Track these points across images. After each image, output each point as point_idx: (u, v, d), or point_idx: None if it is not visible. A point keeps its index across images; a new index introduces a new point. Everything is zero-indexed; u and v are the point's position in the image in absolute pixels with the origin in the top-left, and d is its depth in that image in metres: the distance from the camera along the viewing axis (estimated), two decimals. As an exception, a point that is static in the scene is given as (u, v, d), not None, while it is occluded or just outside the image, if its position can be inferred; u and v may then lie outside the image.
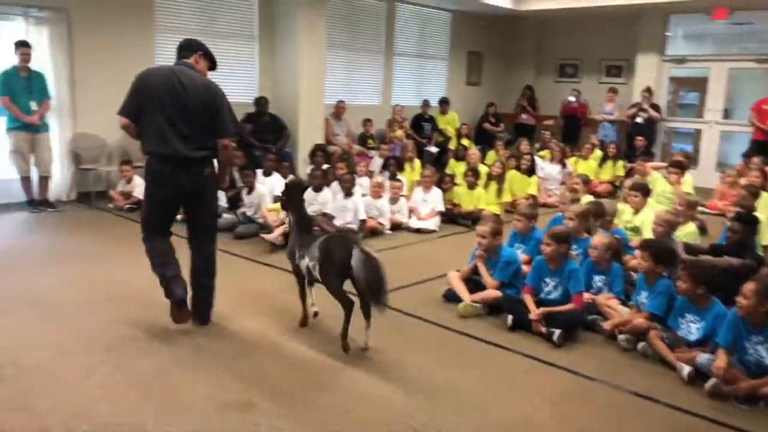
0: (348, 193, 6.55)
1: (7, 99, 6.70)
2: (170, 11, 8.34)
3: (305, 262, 3.89)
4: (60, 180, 7.44)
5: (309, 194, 6.66)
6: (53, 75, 7.23)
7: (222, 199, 7.03)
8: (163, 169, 3.81)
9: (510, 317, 4.27)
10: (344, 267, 3.65)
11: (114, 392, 3.15)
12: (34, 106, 6.84)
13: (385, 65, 11.19)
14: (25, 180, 6.98)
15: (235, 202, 7.19)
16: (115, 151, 7.93)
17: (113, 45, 7.74)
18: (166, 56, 8.33)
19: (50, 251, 5.58)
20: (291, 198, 4.12)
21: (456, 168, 8.96)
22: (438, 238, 6.84)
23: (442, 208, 7.18)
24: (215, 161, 3.98)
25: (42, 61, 7.16)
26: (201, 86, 3.90)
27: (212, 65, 4.10)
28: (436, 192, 7.22)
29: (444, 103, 11.45)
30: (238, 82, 9.24)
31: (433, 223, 7.04)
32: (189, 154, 3.79)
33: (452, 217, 7.42)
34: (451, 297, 4.69)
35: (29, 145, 6.89)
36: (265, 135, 8.81)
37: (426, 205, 7.16)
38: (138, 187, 7.35)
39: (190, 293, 3.98)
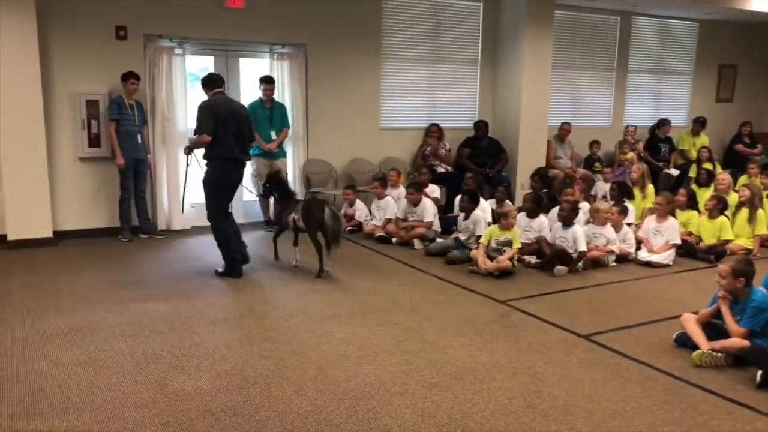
0: (567, 223, 6.10)
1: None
2: (396, 41, 8.68)
3: (292, 216, 5.81)
4: (292, 201, 8.09)
5: (523, 220, 6.38)
6: (291, 106, 7.91)
7: (436, 224, 7.06)
8: (229, 168, 5.50)
9: (760, 372, 3.57)
10: (320, 220, 5.57)
11: (322, 410, 3.20)
12: (273, 135, 7.52)
13: (617, 83, 10.46)
14: (264, 201, 7.69)
15: (449, 226, 7.17)
16: (341, 176, 8.42)
17: (342, 76, 8.27)
18: (390, 84, 8.71)
19: (278, 267, 6.03)
20: (272, 185, 6.12)
21: (700, 195, 7.96)
22: (672, 273, 6.07)
23: (677, 240, 6.36)
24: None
25: (283, 93, 7.88)
26: (242, 108, 5.77)
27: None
28: (671, 222, 6.41)
29: (699, 122, 10.34)
30: (458, 107, 9.32)
31: (667, 256, 6.26)
32: (242, 157, 5.59)
33: (691, 250, 6.56)
34: (685, 342, 4.09)
35: (268, 170, 7.58)
36: (482, 159, 8.73)
37: (659, 236, 6.41)
38: (359, 210, 7.70)
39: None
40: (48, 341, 4.05)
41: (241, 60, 7.84)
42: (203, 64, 7.89)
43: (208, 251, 6.61)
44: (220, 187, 5.54)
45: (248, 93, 7.78)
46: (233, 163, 5.51)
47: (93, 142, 6.98)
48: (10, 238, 6.54)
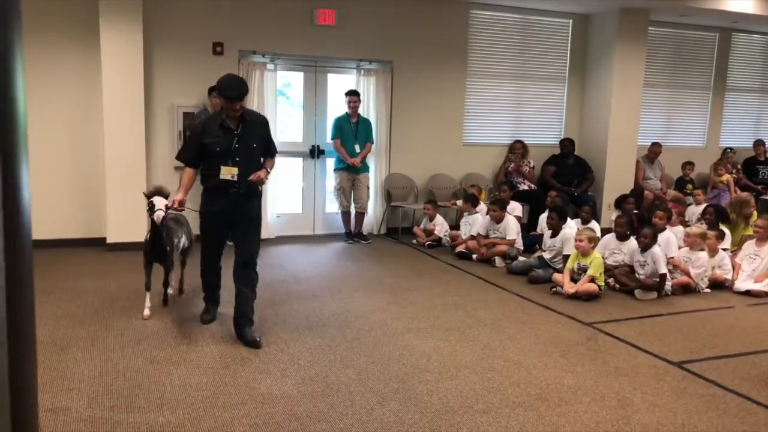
0: (644, 249, 5.81)
1: (338, 142, 7.61)
2: (482, 57, 8.66)
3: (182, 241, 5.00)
4: (373, 215, 8.18)
5: (612, 242, 6.18)
6: (375, 121, 8.02)
7: (519, 242, 6.95)
8: None
9: None
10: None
11: (405, 422, 3.21)
12: (358, 149, 7.64)
13: (713, 102, 10.03)
14: (345, 214, 7.82)
15: (532, 244, 7.06)
16: (421, 191, 8.45)
17: (427, 91, 8.33)
18: (475, 100, 8.70)
19: (359, 279, 6.09)
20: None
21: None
22: (773, 303, 5.74)
23: (780, 265, 5.99)
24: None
25: (368, 108, 8.01)
26: None
27: (223, 96, 4.24)
28: (772, 246, 6.06)
29: None
30: (543, 124, 9.19)
31: (767, 284, 5.91)
32: None
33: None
34: (789, 377, 3.83)
35: (351, 184, 7.71)
36: (568, 178, 8.56)
37: (758, 260, 6.05)
38: (439, 225, 7.69)
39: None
40: (144, 340, 4.25)
41: (329, 75, 8.03)
42: (291, 80, 8.14)
43: (292, 259, 6.78)
44: None
45: (334, 107, 7.96)
46: None
47: (188, 152, 7.31)
48: (109, 240, 6.93)
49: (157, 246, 4.61)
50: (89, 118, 6.97)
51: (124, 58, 6.74)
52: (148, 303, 4.70)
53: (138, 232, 6.97)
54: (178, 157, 4.67)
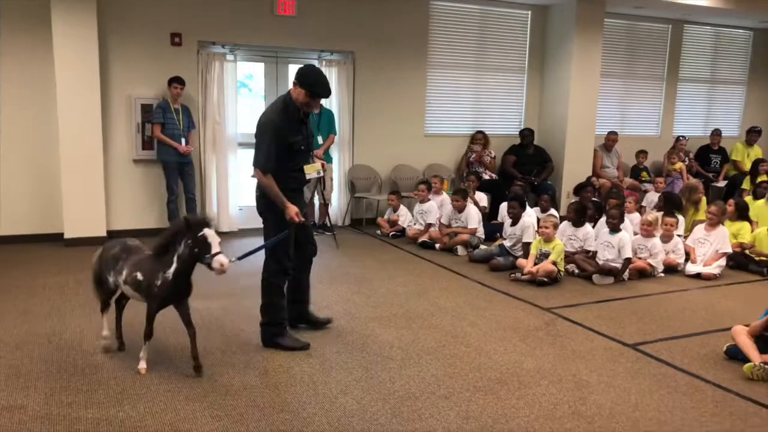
0: (614, 229, 6.02)
1: (300, 134, 7.58)
2: (443, 48, 8.72)
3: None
4: (337, 206, 8.20)
5: (568, 229, 6.33)
6: (338, 112, 8.01)
7: (480, 230, 7.05)
8: None
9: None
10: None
11: (367, 410, 3.25)
12: (320, 140, 7.63)
13: (667, 92, 10.29)
14: (310, 206, 7.81)
15: (493, 233, 7.16)
16: (385, 182, 8.50)
17: (388, 82, 8.36)
18: (436, 91, 8.76)
19: (323, 270, 6.06)
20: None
21: (754, 208, 7.73)
22: (723, 285, 5.94)
23: (728, 249, 6.22)
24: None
25: (330, 99, 7.98)
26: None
27: (311, 93, 3.89)
28: (720, 231, 6.28)
29: (756, 132, 10.08)
30: (503, 114, 9.32)
31: (716, 267, 6.14)
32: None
33: (743, 262, 6.40)
34: (735, 355, 4.01)
35: (315, 175, 7.70)
36: (527, 167, 8.70)
37: (707, 245, 6.28)
38: (403, 216, 7.75)
39: None
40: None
41: (290, 66, 7.98)
42: (253, 71, 8.07)
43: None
44: None
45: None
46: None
47: (147, 144, 7.20)
48: (66, 236, 6.80)
49: (183, 286, 3.54)
50: (43, 111, 6.81)
51: (77, 50, 6.61)
52: (145, 356, 3.65)
53: (96, 226, 6.88)
54: (263, 167, 3.98)
